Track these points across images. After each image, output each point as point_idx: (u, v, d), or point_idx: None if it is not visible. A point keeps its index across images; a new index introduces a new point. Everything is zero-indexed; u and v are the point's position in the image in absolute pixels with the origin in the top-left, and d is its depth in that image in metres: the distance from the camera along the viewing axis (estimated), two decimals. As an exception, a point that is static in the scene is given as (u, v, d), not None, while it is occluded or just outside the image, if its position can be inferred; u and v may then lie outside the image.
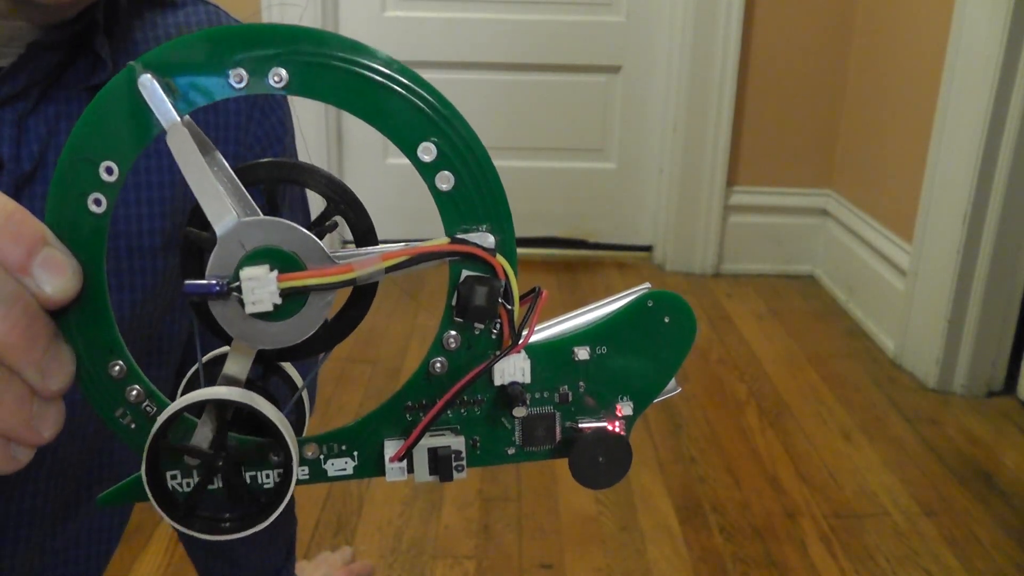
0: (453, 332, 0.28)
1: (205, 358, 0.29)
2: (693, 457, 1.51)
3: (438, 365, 0.28)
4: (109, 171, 0.25)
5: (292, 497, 0.96)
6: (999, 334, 1.72)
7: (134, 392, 0.27)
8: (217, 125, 0.59)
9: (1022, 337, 1.75)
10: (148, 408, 0.27)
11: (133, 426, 0.27)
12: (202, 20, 0.59)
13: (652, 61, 2.30)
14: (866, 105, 2.15)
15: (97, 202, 0.25)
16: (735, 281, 2.29)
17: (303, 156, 0.68)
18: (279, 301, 0.25)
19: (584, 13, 2.27)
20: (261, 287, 0.25)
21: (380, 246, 0.27)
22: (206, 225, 0.26)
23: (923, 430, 1.61)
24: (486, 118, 2.28)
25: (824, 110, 2.27)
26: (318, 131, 2.22)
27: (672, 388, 0.30)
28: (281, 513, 0.95)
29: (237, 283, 0.25)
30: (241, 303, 0.25)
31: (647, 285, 0.30)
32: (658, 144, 2.33)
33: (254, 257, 0.25)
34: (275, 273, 0.25)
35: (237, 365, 0.27)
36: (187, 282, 0.25)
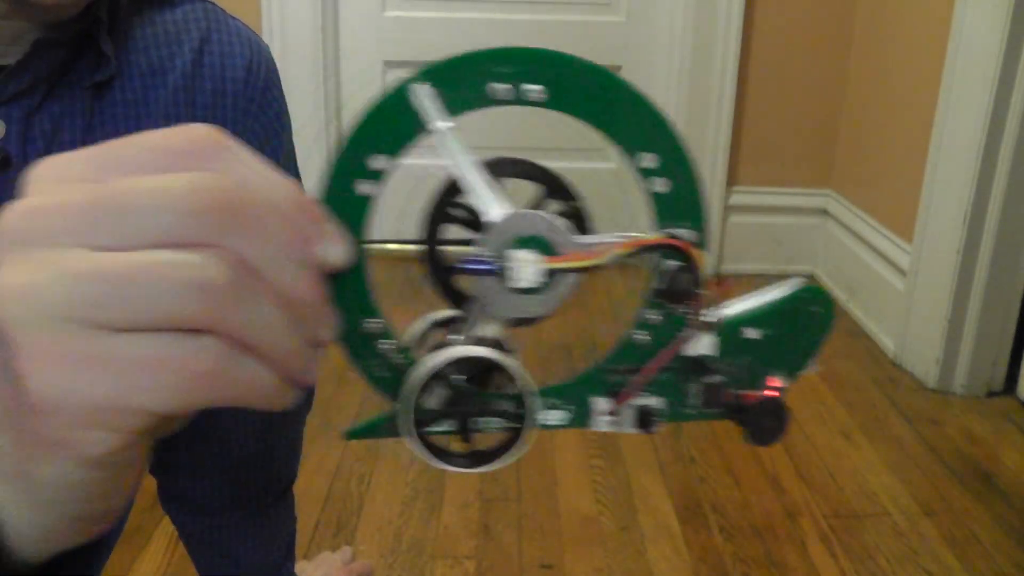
0: (654, 310, 0.33)
1: (435, 317, 0.34)
2: (693, 457, 1.51)
3: (641, 337, 0.33)
4: (379, 161, 0.30)
5: (292, 496, 0.95)
6: (999, 334, 1.72)
7: (385, 345, 0.32)
8: (215, 119, 0.59)
9: (1022, 337, 1.75)
10: (396, 359, 0.32)
11: (381, 375, 0.32)
12: (199, 17, 0.59)
13: (652, 61, 2.30)
14: (866, 105, 2.15)
15: (366, 187, 0.30)
16: (735, 281, 2.28)
17: (301, 154, 0.69)
18: (541, 280, 0.30)
19: (584, 13, 2.27)
20: (527, 268, 0.30)
21: (609, 235, 0.31)
22: (441, 216, 0.31)
23: (923, 430, 1.61)
24: (486, 118, 2.27)
25: (824, 110, 2.27)
26: (318, 130, 2.22)
27: (812, 367, 0.36)
28: (281, 511, 0.95)
29: (506, 263, 0.30)
30: (506, 280, 0.30)
31: (801, 279, 0.35)
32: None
33: (519, 242, 0.30)
34: (539, 256, 0.30)
35: (490, 329, 0.32)
36: (462, 264, 0.30)
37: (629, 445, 1.53)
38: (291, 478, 0.86)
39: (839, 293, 2.19)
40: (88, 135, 0.54)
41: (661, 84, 2.30)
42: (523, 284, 0.30)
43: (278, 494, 0.84)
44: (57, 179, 0.25)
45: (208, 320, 0.23)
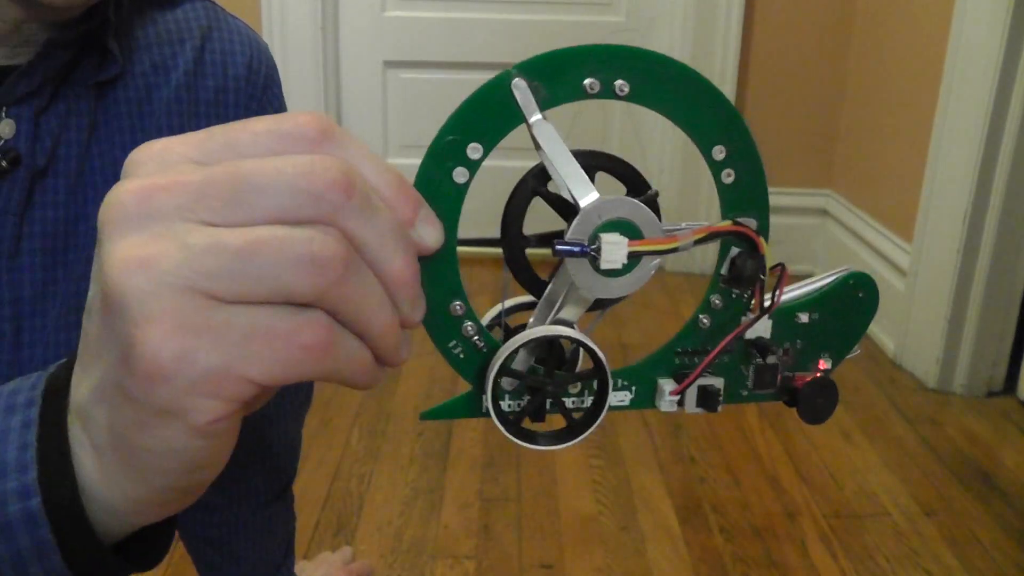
0: (718, 295, 0.35)
1: (510, 302, 0.36)
2: (693, 457, 1.51)
3: (705, 320, 0.35)
4: (475, 150, 0.31)
5: (292, 494, 0.95)
6: (999, 334, 1.72)
7: (468, 327, 0.33)
8: (217, 116, 0.60)
9: (1022, 337, 1.75)
10: (477, 341, 0.33)
11: (462, 356, 0.33)
12: (200, 16, 0.60)
13: (652, 61, 2.30)
14: (866, 105, 2.15)
15: (461, 174, 0.31)
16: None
17: None
18: (626, 262, 0.31)
19: (584, 13, 2.27)
20: (616, 250, 0.31)
21: (683, 223, 0.33)
22: (523, 206, 0.33)
23: (923, 430, 1.61)
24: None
25: (824, 110, 2.27)
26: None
27: (855, 350, 0.38)
28: (280, 510, 0.95)
29: (595, 246, 0.31)
30: (594, 262, 0.31)
31: (848, 267, 0.37)
32: (658, 144, 2.33)
33: (607, 227, 0.31)
34: (626, 239, 0.31)
35: (573, 311, 0.33)
36: (557, 246, 0.31)
37: (629, 445, 1.53)
38: (290, 476, 0.86)
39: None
40: (92, 133, 0.54)
41: (661, 84, 2.30)
42: (612, 265, 0.31)
43: (277, 492, 0.84)
44: (160, 161, 0.26)
45: (318, 295, 0.24)
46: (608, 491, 1.41)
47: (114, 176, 0.55)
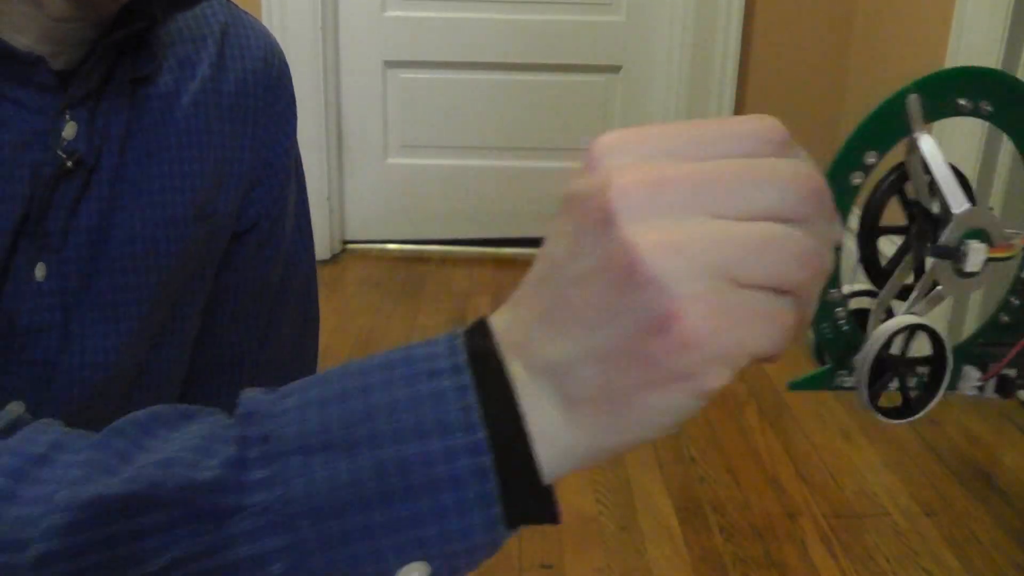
0: (1017, 297, 0.40)
1: (851, 288, 0.40)
2: (693, 457, 1.51)
3: (1006, 318, 0.41)
4: (871, 157, 0.36)
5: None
6: (999, 334, 1.72)
7: (839, 312, 0.38)
8: (245, 107, 0.62)
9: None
10: (843, 324, 0.38)
11: (830, 335, 0.38)
12: (217, 12, 0.62)
13: (652, 61, 2.30)
14: (866, 105, 2.14)
15: (857, 177, 0.36)
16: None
17: (302, 148, 0.71)
18: (982, 267, 0.36)
19: (584, 13, 2.27)
20: (978, 255, 0.35)
21: (1010, 231, 0.37)
22: (883, 205, 0.38)
23: (923, 430, 1.61)
24: (486, 118, 2.28)
25: (824, 110, 2.27)
26: (318, 129, 2.22)
27: None
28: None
29: (962, 250, 0.35)
30: (959, 264, 0.36)
31: None
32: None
33: (969, 234, 0.36)
34: (985, 246, 0.35)
35: (930, 306, 0.38)
36: (935, 248, 0.36)
37: (629, 445, 1.54)
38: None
39: (839, 293, 2.19)
40: (128, 129, 0.56)
41: (661, 84, 2.30)
42: (971, 269, 0.35)
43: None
44: (633, 153, 0.29)
45: (801, 285, 0.28)
46: (608, 491, 1.41)
47: (148, 168, 0.56)
